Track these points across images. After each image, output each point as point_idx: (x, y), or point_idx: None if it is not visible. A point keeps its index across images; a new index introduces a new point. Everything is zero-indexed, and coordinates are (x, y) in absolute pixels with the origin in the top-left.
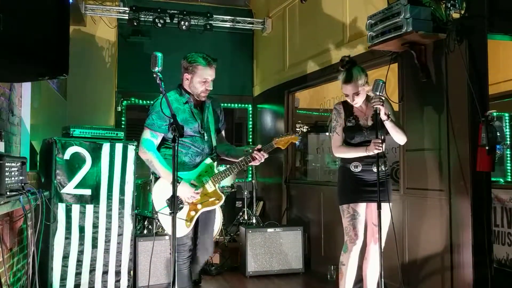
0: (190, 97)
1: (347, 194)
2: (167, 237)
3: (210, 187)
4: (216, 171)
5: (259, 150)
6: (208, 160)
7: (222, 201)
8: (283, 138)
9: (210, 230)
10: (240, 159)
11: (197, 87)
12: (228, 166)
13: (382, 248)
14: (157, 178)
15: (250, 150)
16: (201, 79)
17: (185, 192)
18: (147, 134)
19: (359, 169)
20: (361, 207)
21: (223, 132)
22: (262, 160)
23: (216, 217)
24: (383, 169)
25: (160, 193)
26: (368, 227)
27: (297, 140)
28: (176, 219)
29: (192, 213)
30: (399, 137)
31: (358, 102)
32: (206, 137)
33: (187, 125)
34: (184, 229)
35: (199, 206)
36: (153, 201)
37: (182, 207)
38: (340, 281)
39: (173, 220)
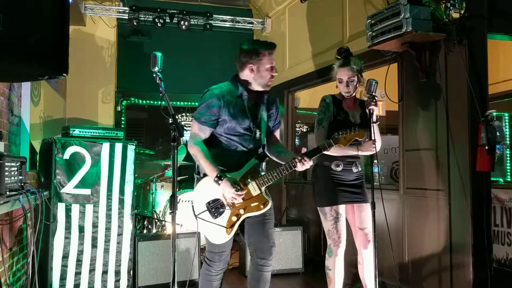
0: (245, 91)
1: (329, 195)
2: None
3: (254, 190)
4: (262, 173)
5: (302, 156)
6: (254, 160)
7: (269, 207)
8: (345, 135)
9: (267, 232)
10: (284, 163)
11: (265, 75)
12: (275, 169)
13: (375, 249)
14: (198, 179)
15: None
16: (269, 66)
17: (226, 191)
18: (194, 127)
19: (340, 168)
20: (342, 208)
21: (277, 132)
22: (307, 166)
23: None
24: (359, 169)
25: (200, 194)
26: (355, 232)
27: (362, 137)
28: (217, 226)
29: (234, 218)
30: (378, 143)
31: (350, 90)
32: (257, 135)
33: (237, 121)
34: (224, 236)
35: (241, 211)
36: (193, 202)
37: (223, 212)
38: (329, 286)
39: (173, 219)
